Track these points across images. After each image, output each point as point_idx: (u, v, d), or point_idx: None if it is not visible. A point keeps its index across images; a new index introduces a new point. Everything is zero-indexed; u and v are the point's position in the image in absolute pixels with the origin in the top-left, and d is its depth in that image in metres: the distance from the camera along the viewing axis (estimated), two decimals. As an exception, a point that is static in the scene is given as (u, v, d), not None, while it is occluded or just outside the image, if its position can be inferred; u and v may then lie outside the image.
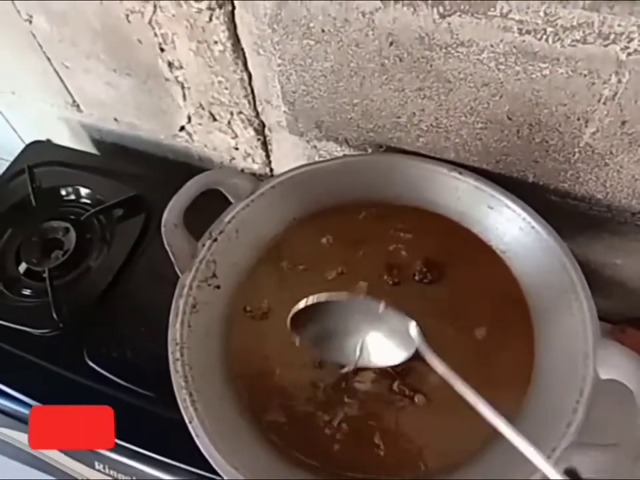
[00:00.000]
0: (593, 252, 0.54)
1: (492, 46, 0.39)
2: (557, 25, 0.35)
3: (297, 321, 0.41)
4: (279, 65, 0.49)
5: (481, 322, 0.46)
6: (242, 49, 0.50)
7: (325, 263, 0.50)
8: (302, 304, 0.39)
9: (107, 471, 0.51)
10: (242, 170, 0.69)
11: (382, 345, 0.41)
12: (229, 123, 0.61)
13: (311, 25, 0.44)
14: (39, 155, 0.70)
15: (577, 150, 0.44)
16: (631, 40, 0.34)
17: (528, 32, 0.37)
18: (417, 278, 0.48)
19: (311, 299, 0.39)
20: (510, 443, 0.33)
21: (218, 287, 0.47)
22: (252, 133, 0.61)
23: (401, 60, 0.43)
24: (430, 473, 0.41)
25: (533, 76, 0.39)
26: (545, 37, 0.37)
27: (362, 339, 0.42)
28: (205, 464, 0.38)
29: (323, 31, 0.44)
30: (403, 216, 0.52)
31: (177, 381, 0.41)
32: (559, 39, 0.36)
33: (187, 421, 0.39)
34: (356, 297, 0.41)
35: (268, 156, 0.65)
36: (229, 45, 0.50)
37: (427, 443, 0.42)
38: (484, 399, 0.34)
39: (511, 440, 0.33)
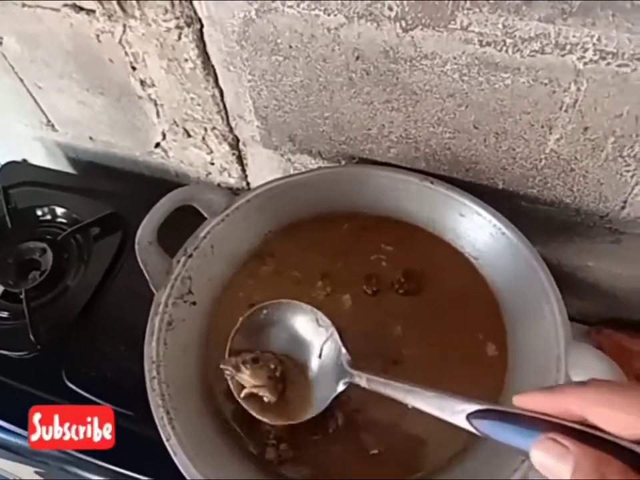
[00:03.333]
0: (565, 255, 0.55)
1: (454, 58, 0.40)
2: (515, 36, 0.36)
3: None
4: (249, 81, 0.50)
5: (455, 327, 0.46)
6: (212, 66, 0.51)
7: (302, 274, 0.50)
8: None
9: (87, 492, 0.51)
10: (219, 184, 0.69)
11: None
12: (204, 138, 0.61)
13: (279, 41, 0.44)
14: (15, 175, 0.70)
15: (542, 156, 0.45)
16: (586, 50, 0.35)
17: (488, 44, 0.38)
18: (395, 288, 0.49)
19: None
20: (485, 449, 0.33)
21: (194, 303, 0.47)
22: (227, 147, 0.61)
23: (367, 73, 0.44)
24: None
25: (496, 86, 0.40)
26: (504, 48, 0.37)
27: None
28: (184, 482, 0.38)
29: (290, 46, 0.44)
30: (379, 227, 0.53)
31: (153, 399, 0.41)
32: (518, 50, 0.37)
33: (164, 439, 0.39)
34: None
35: (244, 170, 0.65)
36: (199, 62, 0.50)
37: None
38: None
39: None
